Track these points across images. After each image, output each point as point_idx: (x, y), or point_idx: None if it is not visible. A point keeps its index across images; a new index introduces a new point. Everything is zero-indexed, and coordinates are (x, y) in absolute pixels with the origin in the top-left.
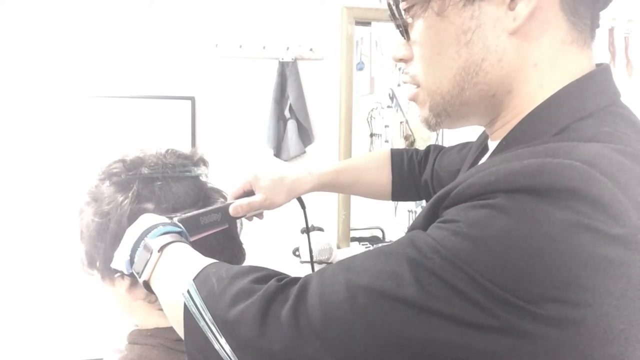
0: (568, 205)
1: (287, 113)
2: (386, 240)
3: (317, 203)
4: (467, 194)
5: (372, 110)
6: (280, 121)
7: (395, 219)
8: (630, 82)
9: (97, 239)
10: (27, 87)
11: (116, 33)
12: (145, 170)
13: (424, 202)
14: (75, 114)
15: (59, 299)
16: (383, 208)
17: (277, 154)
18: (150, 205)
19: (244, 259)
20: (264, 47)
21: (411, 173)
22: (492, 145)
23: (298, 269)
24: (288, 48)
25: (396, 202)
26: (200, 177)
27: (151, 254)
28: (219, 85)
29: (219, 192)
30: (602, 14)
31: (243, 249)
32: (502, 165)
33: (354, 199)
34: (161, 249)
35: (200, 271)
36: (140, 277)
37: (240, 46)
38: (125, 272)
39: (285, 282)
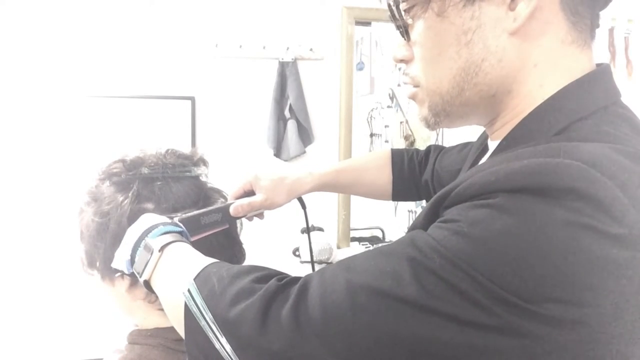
0: (568, 205)
1: (287, 113)
2: (386, 240)
3: (317, 203)
4: (467, 193)
5: (372, 110)
6: (280, 121)
7: (395, 219)
8: (630, 82)
9: (97, 239)
10: (27, 87)
11: (116, 33)
12: (145, 170)
13: (424, 202)
14: (75, 114)
15: (59, 299)
16: (383, 208)
17: (277, 154)
18: (150, 205)
19: (244, 259)
20: (264, 47)
21: (412, 173)
22: (492, 145)
23: (298, 269)
24: (288, 48)
25: (396, 202)
26: (200, 177)
27: (152, 253)
28: (219, 85)
29: (219, 192)
30: (602, 14)
31: (243, 249)
32: (502, 165)
33: (354, 199)
34: (162, 249)
35: (201, 271)
36: (140, 276)
37: (240, 46)
38: (126, 272)
39: (285, 282)
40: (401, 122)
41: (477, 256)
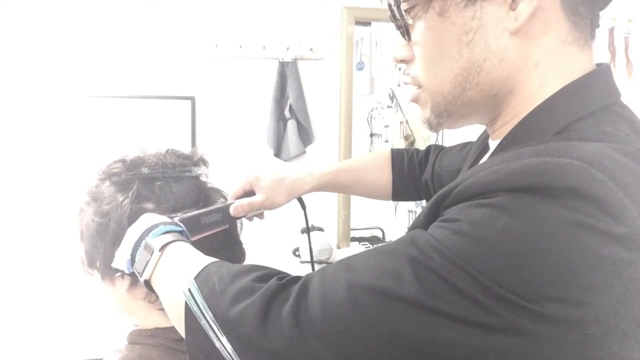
0: (569, 204)
1: (287, 113)
2: (386, 240)
3: (317, 203)
4: (468, 193)
5: (372, 110)
6: (280, 121)
7: (395, 219)
8: (630, 82)
9: (97, 239)
10: (27, 87)
11: (116, 33)
12: (145, 170)
13: (424, 202)
14: (75, 114)
15: (59, 299)
16: (383, 208)
17: (277, 154)
18: (150, 205)
19: (244, 259)
20: (264, 47)
21: (412, 173)
22: (493, 144)
23: (298, 269)
24: (288, 48)
25: (396, 202)
26: (200, 177)
27: (152, 253)
28: (219, 85)
29: (219, 192)
30: (602, 14)
31: (243, 249)
32: (502, 164)
33: (354, 199)
34: (162, 248)
35: (202, 270)
36: (141, 276)
37: (240, 46)
38: (126, 272)
39: (286, 281)
40: (401, 122)
41: (477, 255)
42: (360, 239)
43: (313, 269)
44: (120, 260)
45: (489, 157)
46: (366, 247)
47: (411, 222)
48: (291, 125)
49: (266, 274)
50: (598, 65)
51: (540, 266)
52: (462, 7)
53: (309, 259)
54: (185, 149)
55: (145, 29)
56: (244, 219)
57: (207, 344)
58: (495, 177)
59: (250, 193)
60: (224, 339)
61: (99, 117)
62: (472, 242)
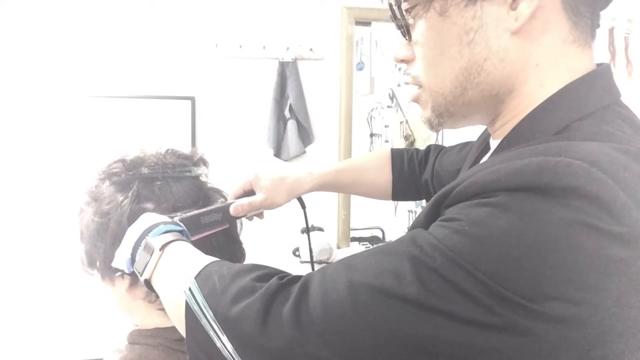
0: (569, 203)
1: (287, 113)
2: (386, 240)
3: (317, 203)
4: (468, 192)
5: (372, 110)
6: (280, 121)
7: (395, 219)
8: (630, 82)
9: (97, 239)
10: (27, 87)
11: (116, 33)
12: (145, 170)
13: (424, 202)
14: (75, 114)
15: (59, 299)
16: (383, 208)
17: (277, 154)
18: (150, 205)
19: (244, 259)
20: (264, 47)
21: (412, 173)
22: (494, 144)
23: (298, 269)
24: (288, 48)
25: (396, 202)
26: (200, 177)
27: (153, 252)
28: (219, 85)
29: (219, 192)
30: (602, 14)
31: (243, 248)
32: (503, 164)
33: (354, 199)
34: (163, 248)
35: (202, 269)
36: (141, 275)
37: (240, 46)
38: (127, 271)
39: (286, 281)
40: (401, 122)
41: (478, 255)
42: (360, 239)
43: (313, 269)
44: (121, 259)
45: (489, 157)
46: (366, 247)
47: (411, 222)
48: (291, 125)
49: (267, 274)
50: (598, 65)
51: (541, 265)
52: (463, 7)
53: (309, 259)
54: (185, 149)
55: (145, 29)
56: (244, 219)
57: (207, 344)
58: (496, 177)
59: (250, 193)
60: (224, 338)
61: (99, 117)
62: (473, 241)
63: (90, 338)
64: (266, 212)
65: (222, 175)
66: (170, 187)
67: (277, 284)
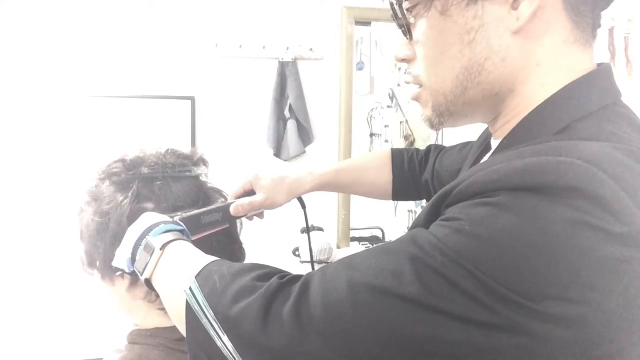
0: (570, 203)
1: (287, 113)
2: (386, 240)
3: (317, 203)
4: (469, 192)
5: (372, 110)
6: (280, 121)
7: (395, 219)
8: (630, 82)
9: (97, 239)
10: (27, 87)
11: (116, 33)
12: (145, 170)
13: (424, 202)
14: (75, 114)
15: (59, 299)
16: (383, 208)
17: (277, 154)
18: (150, 205)
19: (244, 259)
20: (264, 47)
21: (412, 173)
22: (495, 144)
23: (298, 269)
24: (288, 48)
25: (396, 202)
26: (200, 177)
27: (153, 252)
28: (219, 85)
29: (219, 192)
30: (602, 14)
31: (243, 248)
32: (504, 163)
33: (354, 199)
34: (163, 247)
35: (203, 269)
36: (142, 275)
37: (240, 46)
38: (127, 271)
39: (287, 280)
40: (401, 122)
41: (479, 254)
42: (360, 239)
43: (313, 269)
44: (121, 259)
45: (490, 157)
46: (366, 247)
47: (411, 222)
48: (291, 125)
49: (267, 273)
50: (599, 65)
51: (542, 265)
52: (464, 7)
53: (309, 259)
54: (185, 149)
55: (145, 29)
56: (244, 219)
57: (208, 343)
58: (497, 176)
59: (250, 193)
60: (225, 338)
61: (99, 117)
62: (474, 241)
63: (90, 338)
64: (266, 212)
65: (222, 175)
66: (170, 187)
67: (277, 284)
